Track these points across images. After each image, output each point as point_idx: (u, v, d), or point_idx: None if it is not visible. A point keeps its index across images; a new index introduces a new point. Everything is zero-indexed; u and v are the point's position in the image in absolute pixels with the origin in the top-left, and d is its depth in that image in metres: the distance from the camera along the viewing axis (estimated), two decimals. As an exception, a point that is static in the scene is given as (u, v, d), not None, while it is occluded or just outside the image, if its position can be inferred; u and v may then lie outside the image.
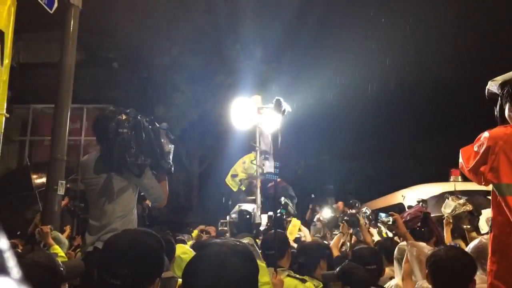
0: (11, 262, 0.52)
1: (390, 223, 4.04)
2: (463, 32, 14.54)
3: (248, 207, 5.26)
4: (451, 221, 4.43)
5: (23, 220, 9.02)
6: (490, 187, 2.31)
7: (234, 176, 7.46)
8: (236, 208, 5.26)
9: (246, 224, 4.82)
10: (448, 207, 4.63)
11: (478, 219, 4.54)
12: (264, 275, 2.45)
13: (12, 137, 13.78)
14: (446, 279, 2.52)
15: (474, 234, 4.20)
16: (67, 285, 3.31)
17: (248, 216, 4.95)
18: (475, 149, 2.25)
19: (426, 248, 3.38)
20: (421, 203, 6.49)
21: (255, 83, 12.88)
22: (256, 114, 6.57)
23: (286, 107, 4.80)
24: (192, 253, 4.27)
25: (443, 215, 4.83)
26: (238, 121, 7.05)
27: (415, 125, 16.87)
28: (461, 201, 4.61)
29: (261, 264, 2.53)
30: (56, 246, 4.43)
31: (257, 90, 9.54)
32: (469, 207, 4.53)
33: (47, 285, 2.23)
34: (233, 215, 5.14)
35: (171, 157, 3.43)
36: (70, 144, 8.81)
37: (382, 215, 4.20)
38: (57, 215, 6.65)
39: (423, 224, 3.93)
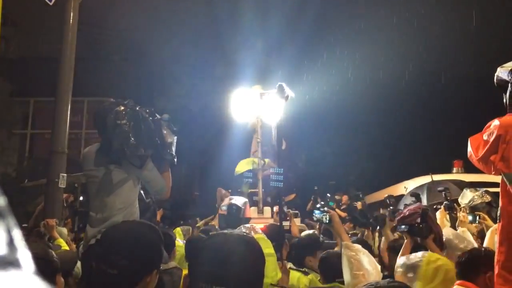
0: (21, 253, 0.50)
1: (326, 221, 3.49)
2: (467, 23, 14.45)
3: (238, 200, 5.19)
4: (468, 212, 4.38)
5: (24, 213, 9.01)
6: (491, 178, 2.26)
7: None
8: (227, 201, 5.22)
9: (234, 218, 4.78)
10: (466, 198, 4.61)
11: (497, 210, 4.51)
12: (267, 247, 2.44)
13: (13, 130, 13.78)
14: None
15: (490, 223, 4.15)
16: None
17: (236, 210, 4.92)
18: (485, 137, 2.19)
19: (362, 252, 3.23)
20: (444, 191, 5.80)
21: (256, 74, 12.81)
22: (257, 105, 6.52)
23: (289, 92, 4.72)
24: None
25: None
26: (239, 113, 7.02)
27: (418, 117, 16.81)
28: (479, 192, 4.58)
29: (261, 236, 2.51)
30: (61, 239, 4.44)
31: (257, 81, 9.49)
32: (487, 198, 4.50)
33: (43, 276, 2.21)
34: (223, 208, 5.09)
35: (174, 148, 3.39)
36: (71, 137, 8.79)
37: (316, 212, 3.65)
38: (59, 208, 6.65)
39: (422, 220, 3.83)
